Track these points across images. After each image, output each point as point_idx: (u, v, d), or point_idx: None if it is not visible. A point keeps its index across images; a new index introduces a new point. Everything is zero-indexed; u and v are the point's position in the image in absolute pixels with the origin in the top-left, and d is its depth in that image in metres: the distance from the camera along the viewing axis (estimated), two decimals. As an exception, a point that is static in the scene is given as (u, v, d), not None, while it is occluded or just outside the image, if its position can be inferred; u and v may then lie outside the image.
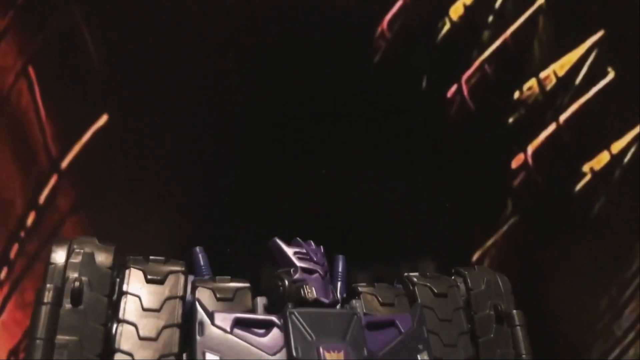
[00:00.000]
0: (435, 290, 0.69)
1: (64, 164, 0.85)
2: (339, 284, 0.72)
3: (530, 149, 0.94)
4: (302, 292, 0.60)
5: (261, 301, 0.62)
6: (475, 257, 0.93)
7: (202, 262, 0.69)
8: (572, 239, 0.90)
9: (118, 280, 0.60)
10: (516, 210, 0.94)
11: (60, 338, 0.55)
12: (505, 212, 0.94)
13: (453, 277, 0.73)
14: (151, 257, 0.63)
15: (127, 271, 0.60)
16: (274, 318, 0.59)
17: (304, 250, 0.64)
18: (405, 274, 0.71)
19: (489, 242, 0.94)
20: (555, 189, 0.93)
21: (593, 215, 0.90)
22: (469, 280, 0.72)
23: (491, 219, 0.94)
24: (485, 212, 0.94)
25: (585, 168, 0.93)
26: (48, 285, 0.57)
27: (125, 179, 0.85)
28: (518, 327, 0.70)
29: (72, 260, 0.59)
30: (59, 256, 0.59)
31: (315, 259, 0.63)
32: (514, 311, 0.71)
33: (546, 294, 0.89)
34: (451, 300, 0.70)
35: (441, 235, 0.91)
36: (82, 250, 0.60)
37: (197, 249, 0.70)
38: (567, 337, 0.87)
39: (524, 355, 0.69)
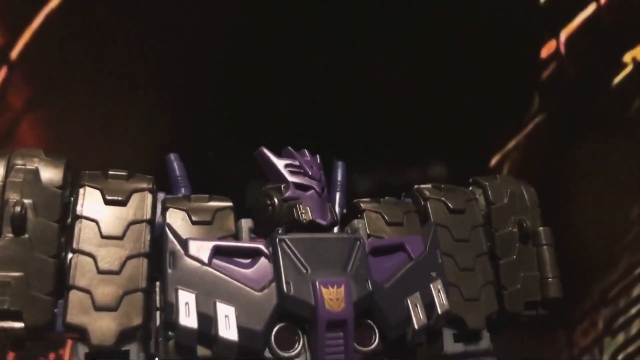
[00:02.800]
0: (451, 206, 0.60)
1: (14, 54, 0.73)
2: (337, 195, 0.64)
3: (563, 35, 0.82)
4: (295, 212, 0.51)
5: (246, 224, 0.52)
6: (493, 161, 0.84)
7: (177, 172, 0.60)
8: (605, 140, 0.79)
9: (72, 201, 0.50)
10: (544, 107, 0.83)
11: (1, 275, 0.46)
12: (531, 109, 0.83)
13: (471, 189, 0.64)
14: (111, 172, 0.52)
15: (81, 190, 0.50)
16: (261, 246, 0.50)
17: (297, 162, 0.54)
18: (416, 186, 0.62)
19: (511, 145, 0.83)
20: (590, 82, 0.81)
21: (631, 112, 0.79)
22: (489, 193, 0.63)
23: (514, 118, 0.84)
24: (507, 108, 0.83)
25: (627, 58, 0.80)
26: (-18, 211, 0.47)
27: (85, 71, 0.73)
28: (545, 247, 0.62)
29: (12, 179, 0.49)
30: (-5, 174, 0.49)
31: (310, 173, 0.53)
32: (541, 228, 0.62)
33: (572, 202, 0.80)
34: (469, 217, 0.61)
35: (456, 136, 0.80)
36: (24, 166, 0.49)
37: (172, 156, 0.60)
38: (593, 249, 0.79)
39: (550, 279, 0.61)
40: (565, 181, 0.81)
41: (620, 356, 0.79)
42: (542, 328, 0.66)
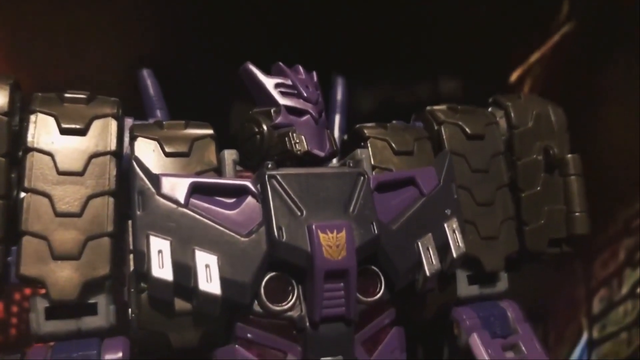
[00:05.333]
0: (468, 131, 0.53)
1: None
2: (337, 117, 0.57)
3: None
4: (287, 142, 0.44)
5: (230, 156, 0.45)
6: (513, 77, 0.75)
7: (151, 91, 0.53)
8: (640, 53, 0.70)
9: (22, 130, 0.42)
10: (573, 14, 0.73)
11: (-62, 220, 0.40)
12: (559, 17, 0.73)
13: (490, 110, 0.57)
14: (67, 94, 0.44)
15: (32, 117, 0.43)
16: (247, 183, 0.42)
17: (290, 81, 0.46)
18: (428, 107, 0.54)
19: (533, 58, 0.74)
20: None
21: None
22: (512, 114, 0.55)
23: (539, 27, 0.74)
24: (530, 15, 0.73)
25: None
26: None
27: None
28: (573, 177, 0.55)
29: (-55, 104, 0.41)
30: None
31: (305, 94, 0.46)
32: (569, 156, 0.55)
33: (598, 123, 0.72)
34: (489, 143, 0.54)
35: (471, 48, 0.71)
36: (-41, 89, 0.41)
37: (145, 72, 0.53)
38: (617, 176, 0.73)
39: (577, 213, 0.54)
40: (593, 100, 0.72)
41: (640, 289, 0.74)
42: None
